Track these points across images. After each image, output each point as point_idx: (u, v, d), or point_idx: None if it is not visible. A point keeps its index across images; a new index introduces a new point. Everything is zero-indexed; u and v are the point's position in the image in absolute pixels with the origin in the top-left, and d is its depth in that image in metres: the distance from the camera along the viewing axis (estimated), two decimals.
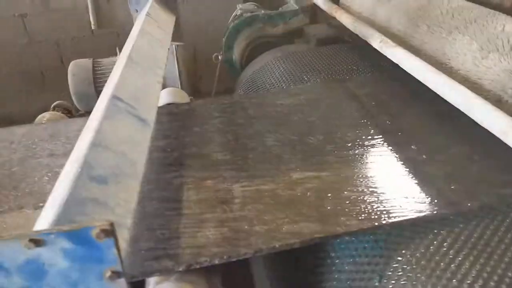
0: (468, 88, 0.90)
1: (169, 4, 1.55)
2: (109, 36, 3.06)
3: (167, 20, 1.48)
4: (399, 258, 0.70)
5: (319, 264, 0.83)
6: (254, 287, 1.03)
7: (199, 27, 3.09)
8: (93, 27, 3.02)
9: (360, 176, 0.88)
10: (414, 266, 0.67)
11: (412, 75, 1.05)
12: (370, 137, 1.02)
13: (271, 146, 1.01)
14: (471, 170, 0.86)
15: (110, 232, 0.50)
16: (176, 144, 1.07)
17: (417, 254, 0.69)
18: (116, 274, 0.52)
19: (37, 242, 0.49)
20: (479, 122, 0.84)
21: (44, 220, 0.58)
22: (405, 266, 0.68)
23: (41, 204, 0.94)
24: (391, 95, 1.21)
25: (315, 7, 2.22)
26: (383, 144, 0.99)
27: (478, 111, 0.83)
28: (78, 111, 1.65)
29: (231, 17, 2.56)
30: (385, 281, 0.68)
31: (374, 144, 0.99)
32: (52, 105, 1.43)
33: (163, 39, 1.33)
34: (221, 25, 2.66)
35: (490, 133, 0.82)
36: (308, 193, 0.84)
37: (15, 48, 3.04)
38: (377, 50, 1.22)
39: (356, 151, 0.96)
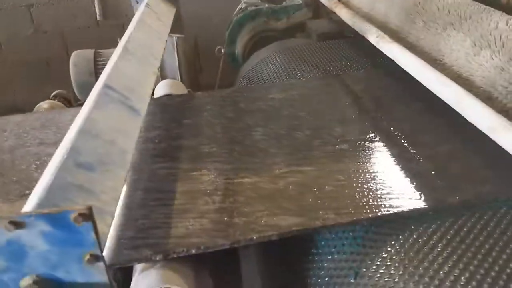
0: (460, 84, 0.90)
1: None
2: (114, 27, 3.07)
3: (167, 12, 1.49)
4: (374, 255, 0.71)
5: (302, 260, 0.84)
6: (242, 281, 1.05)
7: (202, 19, 3.10)
8: (98, 18, 3.04)
9: (344, 171, 0.88)
10: (388, 263, 0.68)
11: (408, 71, 1.05)
12: (359, 133, 1.03)
13: (258, 140, 1.02)
14: (455, 167, 0.86)
15: (88, 216, 0.51)
16: (165, 135, 1.08)
17: (393, 251, 0.70)
18: (95, 258, 0.53)
19: (17, 224, 0.50)
20: (468, 119, 0.84)
21: (28, 204, 0.59)
22: (379, 263, 0.69)
23: (27, 192, 0.96)
24: (386, 91, 1.21)
25: (317, 1, 2.21)
26: (371, 140, 1.00)
27: (468, 108, 0.83)
28: (77, 101, 1.66)
29: (236, 10, 2.56)
30: (360, 277, 0.69)
31: (362, 140, 0.99)
32: (51, 95, 1.44)
33: (161, 30, 1.34)
34: (225, 18, 2.66)
35: (480, 130, 0.82)
36: (290, 187, 0.84)
37: (20, 38, 3.07)
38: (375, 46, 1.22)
39: (343, 147, 0.97)
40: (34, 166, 1.06)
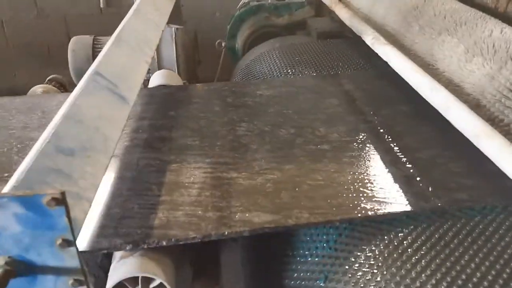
0: (450, 90, 0.90)
1: None
2: (117, 16, 3.05)
3: (166, 2, 1.49)
4: (344, 260, 0.71)
5: (279, 260, 0.84)
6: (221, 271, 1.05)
7: (203, 12, 3.09)
8: (101, 5, 3.03)
9: (323, 171, 0.88)
10: (356, 267, 0.68)
11: (400, 74, 1.05)
12: (343, 133, 1.03)
13: (241, 136, 1.02)
14: (434, 172, 0.86)
15: (61, 200, 0.51)
16: (148, 126, 1.08)
17: (362, 255, 0.70)
18: (67, 243, 0.54)
19: None
20: (454, 125, 0.84)
21: (6, 187, 0.59)
22: (348, 267, 0.69)
23: (5, 175, 0.96)
24: (376, 93, 1.21)
25: (320, 0, 2.21)
26: (355, 141, 1.00)
27: (454, 113, 0.83)
28: (73, 87, 1.66)
29: (239, 4, 2.55)
30: (329, 282, 0.69)
31: (346, 141, 0.99)
32: (47, 79, 1.44)
33: (158, 20, 1.33)
34: (228, 12, 2.66)
35: (464, 136, 0.82)
36: (268, 184, 0.85)
37: (23, 21, 3.07)
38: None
39: (325, 147, 0.97)
40: (15, 149, 1.06)
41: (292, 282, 0.76)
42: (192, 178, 0.87)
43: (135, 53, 1.08)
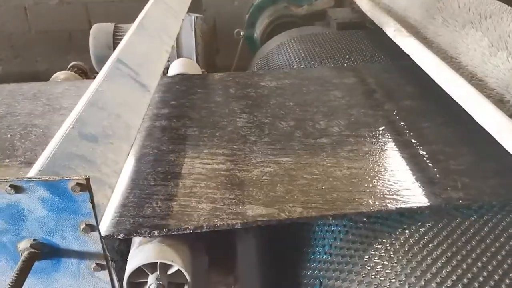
0: (473, 85, 0.88)
1: None
2: (137, 2, 3.08)
3: None
4: (339, 266, 0.72)
5: (295, 253, 0.85)
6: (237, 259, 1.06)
7: (223, 0, 3.08)
8: None
9: (320, 165, 0.88)
10: (368, 264, 0.68)
11: (421, 67, 1.04)
12: (343, 127, 1.01)
13: (241, 127, 1.02)
14: (431, 171, 0.85)
15: (85, 186, 0.53)
16: (149, 115, 1.08)
17: (360, 263, 0.70)
18: (90, 227, 0.55)
19: (17, 188, 0.52)
20: (477, 120, 0.83)
21: (31, 171, 0.61)
22: (341, 273, 0.69)
23: (7, 160, 0.98)
24: (389, 86, 1.20)
25: None
26: (355, 135, 0.98)
27: (477, 109, 0.82)
28: (94, 73, 1.69)
29: None
30: (342, 278, 0.70)
31: (346, 135, 0.98)
32: (69, 65, 1.47)
33: (178, 9, 1.34)
34: (246, 0, 2.64)
35: (483, 133, 0.81)
36: (263, 177, 0.84)
37: (45, 8, 3.10)
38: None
39: (323, 140, 0.96)
40: (18, 135, 1.07)
41: (308, 273, 0.77)
42: (188, 169, 0.87)
43: (155, 42, 1.09)
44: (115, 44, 1.86)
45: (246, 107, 1.12)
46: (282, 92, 1.20)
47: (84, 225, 0.55)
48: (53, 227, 0.55)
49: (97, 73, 1.82)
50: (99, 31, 1.87)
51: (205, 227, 0.74)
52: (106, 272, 0.59)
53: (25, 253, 0.55)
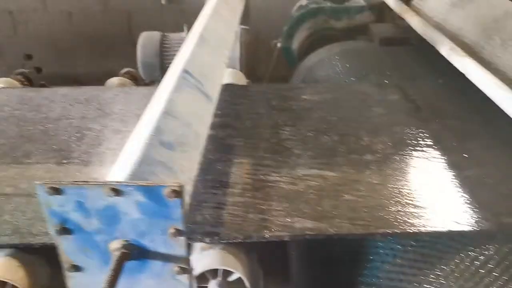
0: None
1: None
2: (175, 11, 3.16)
3: (237, 3, 1.53)
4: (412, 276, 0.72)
5: (348, 266, 0.86)
6: (289, 268, 1.08)
7: (263, 12, 3.12)
8: (163, 1, 3.13)
9: (366, 182, 0.88)
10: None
11: (471, 88, 1.04)
12: (389, 144, 1.02)
13: (284, 139, 1.04)
14: (484, 193, 0.84)
15: (179, 193, 0.55)
16: None
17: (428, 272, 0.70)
18: (178, 232, 0.58)
19: (117, 191, 0.55)
20: None
21: (118, 174, 0.64)
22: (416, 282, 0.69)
23: (64, 161, 1.04)
24: (437, 105, 1.20)
25: (383, 5, 2.19)
26: (400, 153, 0.98)
27: None
28: (143, 80, 1.74)
29: (296, 6, 2.57)
30: None
31: (391, 153, 0.98)
32: (121, 72, 1.53)
33: (232, 21, 1.38)
34: (283, 12, 2.68)
35: None
36: (310, 190, 0.86)
37: (89, 13, 3.21)
38: (440, 58, 1.21)
39: (369, 157, 0.97)
40: (74, 137, 1.13)
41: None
42: (234, 178, 0.89)
43: (216, 53, 1.12)
44: (162, 52, 1.92)
45: (289, 120, 1.14)
46: (324, 106, 1.22)
47: (173, 230, 0.58)
48: (144, 229, 0.58)
49: (145, 80, 1.88)
50: (147, 39, 1.93)
51: (255, 237, 0.76)
52: (187, 275, 0.62)
53: (118, 253, 0.58)
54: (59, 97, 1.35)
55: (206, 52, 1.08)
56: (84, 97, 1.35)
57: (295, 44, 2.41)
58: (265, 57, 2.72)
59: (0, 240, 0.84)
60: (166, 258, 0.60)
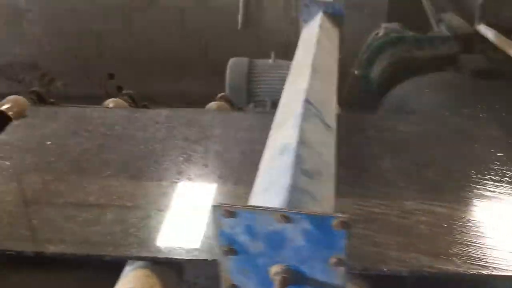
0: None
1: (335, 18, 1.63)
2: (251, 36, 3.27)
3: (334, 33, 1.56)
4: None
5: None
6: None
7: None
8: (239, 26, 3.26)
9: (476, 220, 0.86)
10: None
11: None
12: (498, 183, 0.99)
13: (385, 170, 1.04)
14: None
15: (347, 225, 0.57)
16: None
17: None
18: (340, 262, 0.59)
19: (287, 218, 0.58)
20: None
21: (269, 200, 0.67)
22: None
23: (175, 180, 1.10)
24: None
25: (470, 36, 2.15)
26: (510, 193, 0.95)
27: None
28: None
29: (372, 34, 2.58)
30: None
31: (502, 192, 0.96)
32: (218, 96, 1.61)
33: (334, 51, 1.41)
34: (355, 39, 2.70)
35: None
36: (421, 226, 0.84)
37: (169, 37, 3.40)
38: None
39: (479, 193, 0.94)
40: (181, 158, 1.20)
41: None
42: (343, 208, 0.89)
43: (327, 83, 1.15)
44: (250, 78, 1.99)
45: (387, 151, 1.13)
46: (422, 139, 1.20)
47: (335, 259, 0.59)
48: (306, 257, 0.60)
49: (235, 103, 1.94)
50: (236, 65, 2.01)
51: (372, 270, 0.76)
52: None
53: (279, 277, 0.60)
54: (162, 118, 1.43)
55: (320, 82, 1.11)
56: (186, 118, 1.43)
57: (375, 72, 2.41)
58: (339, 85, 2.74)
59: (130, 253, 0.90)
60: (324, 286, 0.61)
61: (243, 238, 0.60)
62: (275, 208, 0.58)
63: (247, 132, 1.33)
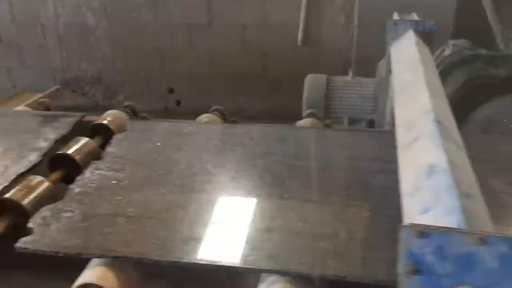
0: None
1: (425, 37, 1.63)
2: (311, 53, 3.30)
3: (426, 51, 1.56)
4: None
5: None
6: None
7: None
8: (299, 43, 3.30)
9: None
10: None
11: None
12: None
13: (497, 192, 1.02)
14: None
15: None
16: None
17: None
18: None
19: (483, 241, 0.58)
20: None
21: (436, 221, 0.67)
22: None
23: (285, 195, 1.13)
24: None
25: None
26: None
27: None
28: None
29: (438, 51, 2.55)
30: None
31: None
32: (307, 112, 1.62)
33: (434, 69, 1.40)
34: None
35: None
36: None
37: (229, 53, 3.48)
38: None
39: None
40: (285, 174, 1.22)
41: None
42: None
43: (444, 103, 1.15)
44: (327, 94, 2.00)
45: (491, 171, 1.10)
46: None
47: None
48: (497, 280, 0.60)
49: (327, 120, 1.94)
50: (313, 82, 2.04)
51: None
52: None
53: None
54: (256, 133, 1.46)
55: (440, 102, 1.11)
56: (279, 134, 1.45)
57: (447, 90, 2.37)
58: None
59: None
60: None
61: (431, 258, 0.60)
62: (472, 230, 0.58)
63: (346, 150, 1.34)
